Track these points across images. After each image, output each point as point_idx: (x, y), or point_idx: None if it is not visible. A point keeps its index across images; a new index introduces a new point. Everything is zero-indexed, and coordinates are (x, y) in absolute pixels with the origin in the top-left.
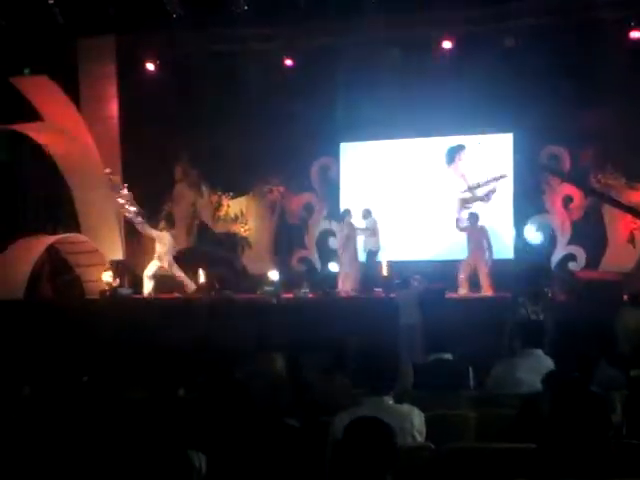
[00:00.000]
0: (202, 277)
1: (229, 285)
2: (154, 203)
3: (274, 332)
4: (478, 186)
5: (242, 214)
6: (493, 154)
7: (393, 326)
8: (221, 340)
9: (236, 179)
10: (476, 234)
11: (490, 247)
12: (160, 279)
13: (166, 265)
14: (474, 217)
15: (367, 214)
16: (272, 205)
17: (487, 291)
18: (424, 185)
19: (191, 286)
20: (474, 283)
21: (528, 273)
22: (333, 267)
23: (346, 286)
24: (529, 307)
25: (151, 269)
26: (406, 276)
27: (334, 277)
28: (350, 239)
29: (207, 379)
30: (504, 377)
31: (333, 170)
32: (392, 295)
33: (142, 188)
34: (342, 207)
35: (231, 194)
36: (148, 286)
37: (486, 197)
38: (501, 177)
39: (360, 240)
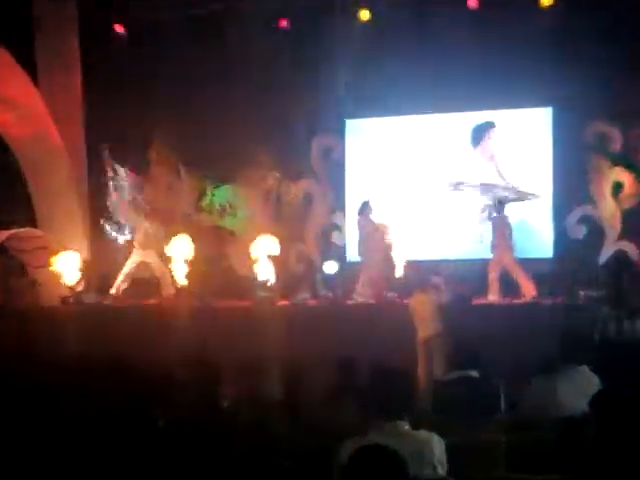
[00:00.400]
0: (181, 280)
1: (213, 290)
2: None
3: (267, 347)
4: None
5: (230, 204)
6: (528, 133)
7: (409, 338)
8: (204, 357)
9: (222, 162)
10: (501, 225)
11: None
12: (136, 281)
13: (149, 258)
14: (500, 205)
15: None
16: (266, 193)
17: (529, 293)
18: (445, 170)
19: (170, 290)
20: (507, 285)
21: (612, 270)
22: (331, 267)
23: (366, 291)
24: (606, 313)
25: (129, 265)
26: (424, 278)
27: (339, 278)
28: (374, 236)
29: (187, 408)
30: (542, 399)
31: (337, 151)
32: (409, 302)
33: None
34: (348, 195)
35: (216, 180)
36: (120, 286)
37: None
38: (531, 196)
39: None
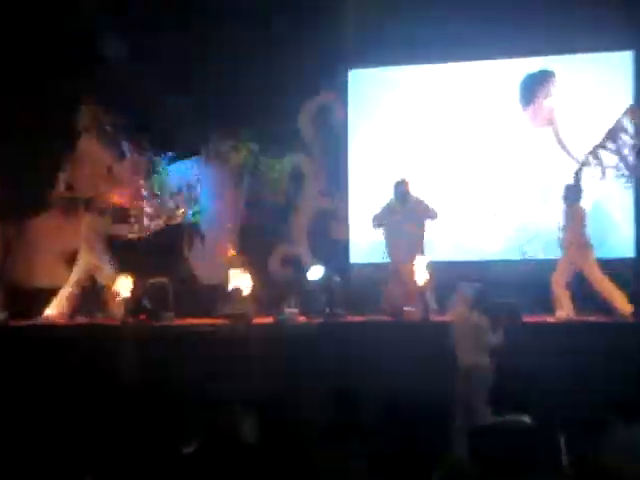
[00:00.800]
0: (125, 291)
1: (167, 305)
2: (41, 170)
3: (241, 380)
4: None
5: (189, 186)
6: (600, 86)
7: (441, 369)
8: (158, 393)
9: (179, 131)
10: (580, 215)
11: None
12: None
13: (95, 259)
14: (577, 190)
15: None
16: (238, 172)
17: (621, 308)
18: (483, 138)
19: (118, 306)
20: (583, 297)
21: None
22: (316, 272)
23: (397, 302)
24: None
25: (73, 278)
26: (459, 285)
27: (336, 288)
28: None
29: (138, 455)
30: (627, 453)
31: (336, 113)
32: (442, 319)
33: (18, 145)
34: (351, 174)
35: (170, 155)
36: (58, 306)
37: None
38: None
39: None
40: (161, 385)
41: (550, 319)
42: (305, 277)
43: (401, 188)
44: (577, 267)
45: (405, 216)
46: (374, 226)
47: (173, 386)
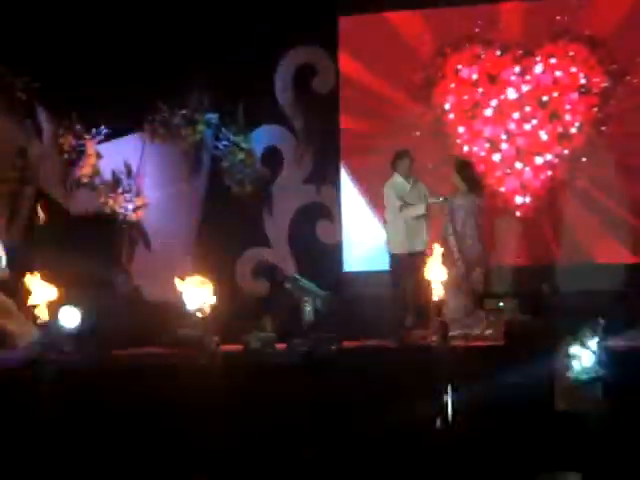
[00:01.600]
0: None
1: (112, 330)
2: None
3: (196, 433)
4: None
5: (130, 173)
6: None
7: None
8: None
9: (114, 103)
10: None
11: None
12: None
13: None
14: None
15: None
16: (193, 154)
17: None
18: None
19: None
20: None
21: None
22: (298, 284)
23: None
24: None
25: None
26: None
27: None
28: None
29: None
30: None
31: (323, 75)
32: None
33: None
34: (344, 155)
35: (104, 132)
36: None
37: None
38: None
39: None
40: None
41: None
42: (284, 291)
43: (407, 160)
44: None
45: (415, 197)
46: (401, 209)
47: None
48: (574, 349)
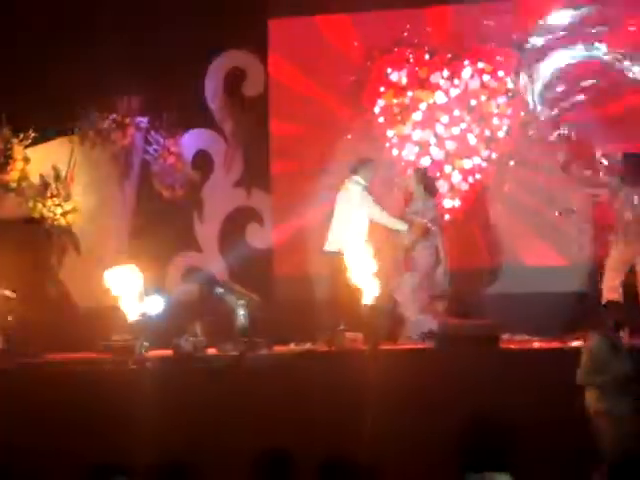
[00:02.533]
0: None
1: (38, 336)
2: None
3: (129, 436)
4: None
5: (59, 177)
6: None
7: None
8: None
9: (43, 107)
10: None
11: None
12: None
13: None
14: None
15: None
16: (123, 158)
17: None
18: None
19: None
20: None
21: None
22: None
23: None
24: None
25: None
26: None
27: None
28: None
29: None
30: None
31: (253, 79)
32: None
33: None
34: (273, 159)
35: (33, 135)
36: None
37: None
38: None
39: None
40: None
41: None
42: (215, 296)
43: (372, 169)
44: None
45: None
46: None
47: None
48: None
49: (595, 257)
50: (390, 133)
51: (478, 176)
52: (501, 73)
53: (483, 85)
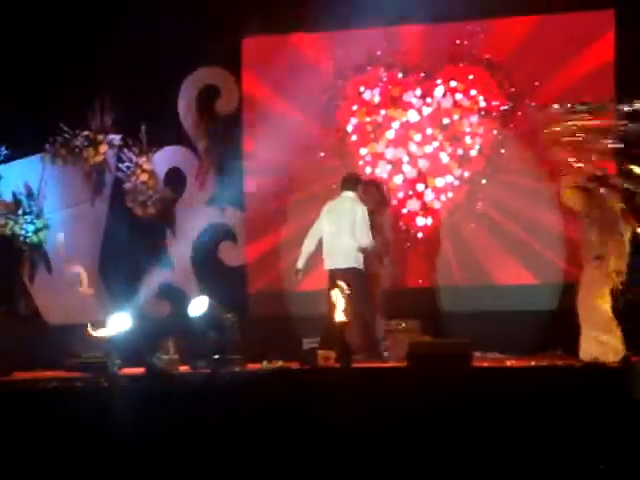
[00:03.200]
0: None
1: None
2: None
3: (100, 455)
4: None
5: (31, 194)
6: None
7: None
8: None
9: (15, 124)
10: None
11: None
12: None
13: None
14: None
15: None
16: (96, 175)
17: None
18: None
19: None
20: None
21: None
22: (200, 305)
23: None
24: None
25: None
26: None
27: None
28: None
29: None
30: None
31: (227, 97)
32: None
33: None
34: (248, 176)
35: (4, 153)
36: None
37: None
38: None
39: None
40: None
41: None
42: (188, 314)
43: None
44: None
45: None
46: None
47: None
48: None
49: (566, 275)
50: (363, 151)
51: (450, 194)
52: (473, 92)
53: (455, 104)
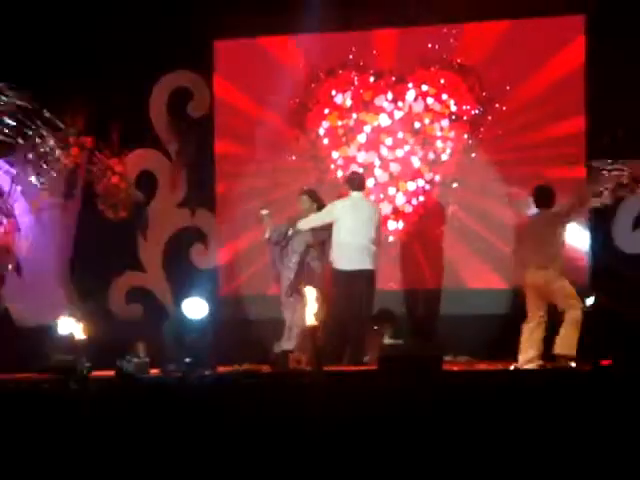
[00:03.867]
0: None
1: None
2: None
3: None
4: None
5: (1, 195)
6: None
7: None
8: None
9: None
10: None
11: None
12: None
13: None
14: None
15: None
16: (68, 177)
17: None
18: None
19: None
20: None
21: None
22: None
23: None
24: None
25: None
26: None
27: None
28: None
29: None
30: None
31: (198, 99)
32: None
33: None
34: (218, 176)
35: None
36: None
37: None
38: None
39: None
40: None
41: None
42: (160, 316)
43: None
44: None
45: None
46: None
47: None
48: None
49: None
50: (335, 155)
51: (422, 198)
52: (444, 96)
53: (427, 108)
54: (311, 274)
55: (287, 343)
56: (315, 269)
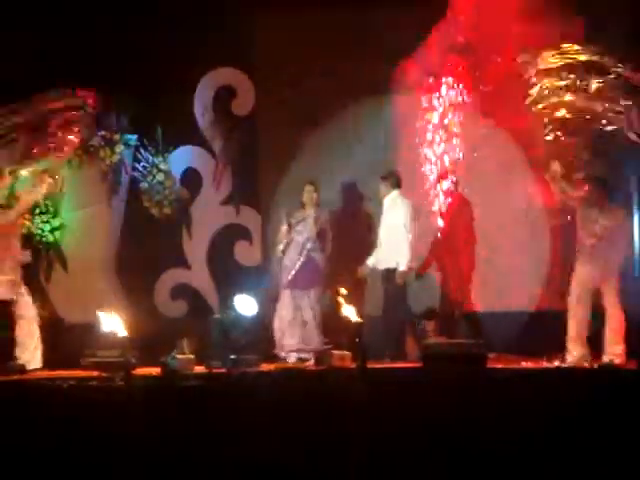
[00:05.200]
0: None
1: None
2: None
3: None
4: None
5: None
6: None
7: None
8: None
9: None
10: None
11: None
12: None
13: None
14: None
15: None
16: (112, 175)
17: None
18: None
19: None
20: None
21: None
22: (246, 306)
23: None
24: None
25: None
26: None
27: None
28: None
29: None
30: None
31: (242, 97)
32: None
33: None
34: (261, 175)
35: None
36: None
37: None
38: None
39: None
40: None
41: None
42: (204, 313)
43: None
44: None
45: None
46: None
47: None
48: None
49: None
50: None
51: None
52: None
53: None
54: (314, 266)
55: (290, 339)
56: (318, 261)
